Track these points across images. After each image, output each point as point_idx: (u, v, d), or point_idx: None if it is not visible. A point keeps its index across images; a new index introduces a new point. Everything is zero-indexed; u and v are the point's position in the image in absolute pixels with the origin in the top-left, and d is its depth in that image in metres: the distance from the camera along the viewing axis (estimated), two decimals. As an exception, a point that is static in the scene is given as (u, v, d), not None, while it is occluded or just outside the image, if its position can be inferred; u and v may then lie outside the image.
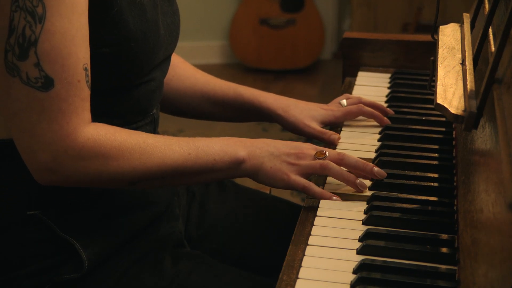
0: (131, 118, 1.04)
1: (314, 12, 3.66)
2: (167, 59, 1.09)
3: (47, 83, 0.87)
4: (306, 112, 1.19)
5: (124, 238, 1.03)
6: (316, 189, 0.96)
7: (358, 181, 0.97)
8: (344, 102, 1.23)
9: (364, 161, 1.00)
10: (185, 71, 1.25)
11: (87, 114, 0.92)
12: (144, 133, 0.97)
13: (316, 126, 1.17)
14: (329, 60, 3.87)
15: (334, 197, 0.96)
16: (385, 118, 1.19)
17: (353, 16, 3.54)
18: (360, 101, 1.22)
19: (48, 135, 0.88)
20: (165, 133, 2.70)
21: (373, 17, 3.48)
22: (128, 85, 1.01)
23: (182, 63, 1.26)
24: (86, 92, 0.91)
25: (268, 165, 0.97)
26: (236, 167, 0.97)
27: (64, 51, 0.87)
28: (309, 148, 0.99)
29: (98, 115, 0.97)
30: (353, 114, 1.20)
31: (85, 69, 0.90)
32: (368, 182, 1.00)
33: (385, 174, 0.99)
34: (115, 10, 0.94)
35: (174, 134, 3.01)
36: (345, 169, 0.99)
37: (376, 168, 0.99)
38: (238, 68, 3.76)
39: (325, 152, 0.99)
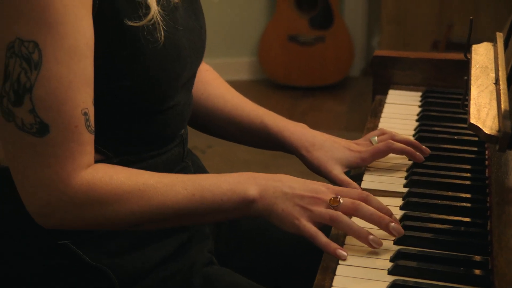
0: (160, 143, 1.03)
1: (343, 29, 3.66)
2: (192, 77, 1.07)
3: (42, 129, 0.86)
4: (330, 153, 1.12)
5: (155, 261, 1.02)
6: (323, 239, 0.90)
7: (371, 237, 0.89)
8: (375, 139, 1.15)
9: (381, 215, 0.91)
10: (216, 90, 1.22)
11: (85, 158, 0.90)
12: (146, 172, 0.94)
13: (338, 173, 1.10)
14: (357, 77, 3.86)
15: (339, 251, 0.88)
16: (418, 154, 1.11)
17: (383, 33, 3.53)
18: (392, 138, 1.14)
19: (42, 180, 0.87)
20: (195, 148, 2.70)
21: (402, 34, 3.47)
22: (153, 112, 0.99)
23: (215, 79, 1.24)
24: (85, 137, 0.89)
25: (280, 207, 0.92)
26: (246, 207, 0.93)
27: (60, 97, 0.86)
28: (326, 192, 0.93)
29: (125, 143, 0.96)
30: (381, 153, 1.12)
31: (85, 113, 0.88)
32: (399, 201, 0.99)
33: (403, 232, 0.90)
34: (131, 45, 0.92)
35: (203, 150, 3.02)
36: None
37: (393, 224, 0.90)
38: (267, 84, 3.77)
39: (339, 200, 0.92)
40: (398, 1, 3.43)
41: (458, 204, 0.98)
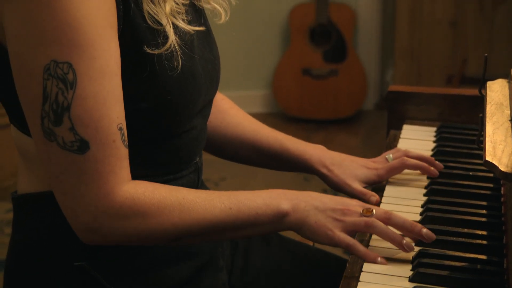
0: (175, 168, 1.05)
1: (357, 63, 3.68)
2: (208, 104, 1.10)
3: (83, 146, 0.89)
4: (349, 171, 1.18)
5: (169, 285, 1.04)
6: (361, 248, 0.95)
7: (404, 241, 0.95)
8: (390, 156, 1.22)
9: (413, 222, 0.98)
10: (234, 118, 1.26)
11: (125, 173, 0.93)
12: (184, 188, 0.98)
13: (357, 186, 1.17)
14: (371, 110, 3.86)
15: (379, 259, 0.94)
16: (432, 168, 1.18)
17: (396, 67, 3.54)
18: (406, 155, 1.21)
19: (87, 197, 0.90)
20: (207, 181, 2.70)
21: (416, 68, 3.48)
22: (169, 135, 1.02)
23: (232, 108, 1.27)
24: (122, 151, 0.92)
25: (313, 220, 0.96)
26: (280, 220, 0.97)
27: (96, 114, 0.89)
28: (356, 205, 0.98)
29: (141, 167, 0.98)
30: (397, 170, 1.19)
31: (120, 128, 0.92)
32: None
33: (434, 237, 0.96)
34: (148, 63, 0.95)
35: (216, 182, 3.02)
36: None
37: (425, 230, 0.96)
38: (281, 117, 3.78)
39: (372, 210, 0.97)
40: (411, 35, 3.45)
41: (474, 242, 0.97)
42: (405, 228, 0.97)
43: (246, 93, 3.83)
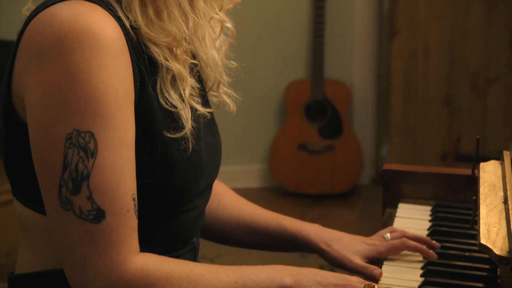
0: (172, 246, 1.05)
1: (353, 139, 3.71)
2: (209, 187, 1.12)
3: (99, 215, 0.90)
4: (349, 246, 1.19)
5: None
6: None
7: None
8: (388, 235, 1.23)
9: None
10: (230, 200, 1.27)
11: (135, 244, 0.94)
12: (191, 262, 0.99)
13: (358, 261, 1.17)
14: (367, 185, 3.87)
15: None
16: (431, 251, 1.19)
17: (392, 143, 3.58)
18: (404, 235, 1.22)
19: (99, 266, 0.91)
20: (204, 257, 2.68)
21: (411, 145, 3.51)
22: (169, 214, 1.03)
23: (227, 191, 1.29)
24: (134, 222, 0.94)
25: None
26: None
27: (114, 184, 0.91)
28: (357, 281, 0.99)
29: (140, 243, 0.98)
30: (396, 249, 1.20)
31: (133, 199, 0.93)
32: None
33: None
34: (159, 144, 0.97)
35: (212, 259, 3.00)
36: None
37: None
38: (277, 192, 3.79)
39: (374, 286, 0.98)
40: (406, 112, 3.50)
41: (471, 324, 0.97)
42: None
43: (242, 168, 3.85)
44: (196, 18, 0.98)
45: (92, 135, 0.90)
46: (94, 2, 0.93)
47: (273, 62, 3.75)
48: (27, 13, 0.99)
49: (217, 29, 1.07)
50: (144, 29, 0.96)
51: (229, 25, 1.11)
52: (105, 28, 0.91)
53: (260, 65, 3.71)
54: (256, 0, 3.57)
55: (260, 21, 3.60)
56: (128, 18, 0.95)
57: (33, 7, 0.99)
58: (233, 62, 1.13)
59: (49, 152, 0.91)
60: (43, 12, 0.93)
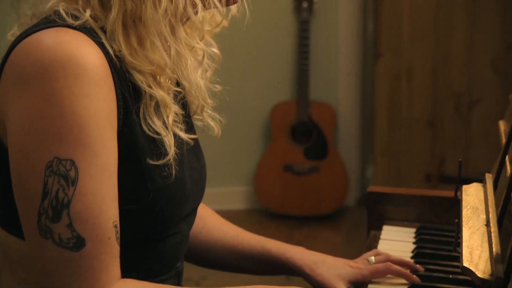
0: (156, 271, 1.05)
1: (338, 160, 3.72)
2: (193, 211, 1.12)
3: (79, 243, 0.90)
4: (332, 270, 1.19)
5: None
6: None
7: None
8: (372, 259, 1.24)
9: None
10: (214, 223, 1.27)
11: (116, 271, 0.93)
12: (171, 286, 0.99)
13: (341, 286, 1.17)
14: (353, 207, 3.88)
15: None
16: (414, 276, 1.19)
17: (376, 164, 3.59)
18: (388, 259, 1.23)
19: None
20: (189, 280, 2.66)
21: (396, 166, 3.53)
22: (152, 239, 1.03)
23: (212, 215, 1.29)
24: (116, 249, 0.93)
25: None
26: None
27: (95, 211, 0.90)
28: None
29: (123, 268, 0.98)
30: (380, 273, 1.20)
31: (115, 226, 0.93)
32: None
33: None
34: (142, 170, 0.97)
35: (197, 282, 2.99)
36: None
37: None
38: (263, 214, 3.78)
39: None
40: (390, 133, 3.51)
41: None
42: None
43: (227, 189, 3.84)
44: (178, 47, 0.99)
45: (73, 162, 0.89)
46: (78, 29, 0.94)
47: (259, 83, 3.77)
48: (12, 38, 0.99)
49: (200, 57, 1.07)
50: (128, 58, 0.96)
51: (215, 50, 1.11)
52: (89, 55, 0.91)
53: (245, 87, 3.72)
54: (242, 22, 3.59)
55: (246, 43, 3.62)
56: (112, 47, 0.95)
57: (18, 33, 1.00)
58: (217, 86, 1.14)
59: (29, 179, 0.90)
60: (28, 38, 0.93)
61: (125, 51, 0.95)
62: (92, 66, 0.90)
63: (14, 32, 1.02)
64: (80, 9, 0.96)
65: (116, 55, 0.96)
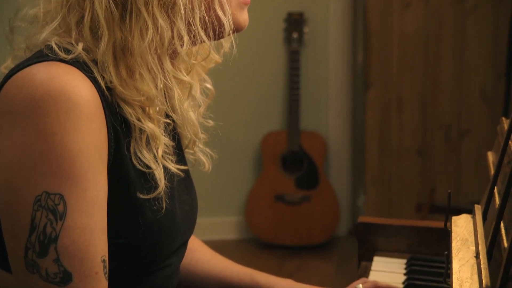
0: None
1: (329, 189, 3.73)
2: (184, 244, 1.12)
3: (66, 278, 0.89)
4: None
5: None
6: None
7: None
8: (360, 286, 1.24)
9: None
10: (204, 255, 1.27)
11: None
12: None
13: None
14: (344, 236, 3.87)
15: None
16: None
17: (368, 194, 3.59)
18: (376, 286, 1.23)
19: None
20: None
21: (387, 195, 3.53)
22: (143, 273, 1.02)
23: (201, 246, 1.29)
24: (103, 284, 0.92)
25: None
26: None
27: (83, 245, 0.90)
28: None
29: None
30: None
31: (103, 260, 0.92)
32: None
33: None
34: (132, 204, 0.97)
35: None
36: None
37: None
38: (254, 243, 3.77)
39: None
40: (381, 163, 3.52)
41: None
42: None
43: (219, 219, 3.83)
44: (165, 79, 0.99)
45: (61, 197, 0.89)
46: (70, 63, 0.94)
47: (249, 113, 3.78)
48: (6, 71, 0.99)
49: (186, 91, 1.08)
50: (119, 88, 0.96)
51: (209, 85, 1.12)
52: (80, 90, 0.91)
53: (236, 117, 3.73)
54: (232, 53, 3.61)
55: (236, 73, 3.64)
56: (103, 78, 0.96)
57: (12, 65, 1.00)
58: (210, 121, 1.14)
59: (17, 213, 0.90)
60: (20, 72, 0.93)
61: (115, 81, 0.96)
62: (84, 101, 0.91)
63: (7, 64, 1.03)
64: (73, 41, 0.96)
65: (107, 87, 0.96)
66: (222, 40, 1.09)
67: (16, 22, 1.03)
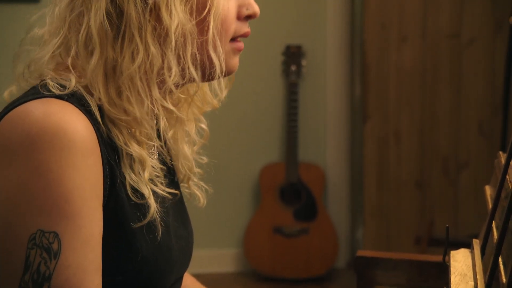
0: None
1: (327, 221, 3.72)
2: (179, 280, 1.11)
3: None
4: None
5: None
6: None
7: None
8: None
9: None
10: None
11: None
12: None
13: None
14: (343, 269, 3.86)
15: None
16: None
17: (366, 226, 3.59)
18: None
19: None
20: None
21: (386, 228, 3.53)
22: None
23: (194, 282, 1.28)
24: None
25: None
26: None
27: (76, 284, 0.89)
28: None
29: None
30: None
31: None
32: None
33: None
34: (127, 237, 0.97)
35: None
36: None
37: None
38: (252, 276, 3.75)
39: None
40: (379, 195, 3.52)
41: None
42: None
43: (216, 251, 3.82)
44: (152, 106, 1.00)
45: (56, 235, 0.89)
46: (65, 99, 0.94)
47: (248, 145, 3.79)
48: (8, 96, 1.00)
49: (173, 121, 1.08)
50: (107, 106, 0.97)
51: (204, 126, 1.12)
52: (76, 126, 0.91)
53: (234, 148, 3.74)
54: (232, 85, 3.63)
55: (235, 105, 3.65)
56: (98, 112, 0.96)
57: (15, 91, 1.01)
58: (204, 158, 1.14)
59: (11, 251, 0.90)
60: (15, 109, 0.94)
61: (103, 99, 0.96)
62: (79, 137, 0.91)
63: (11, 90, 1.03)
64: (70, 67, 0.97)
65: (99, 106, 0.96)
66: (218, 88, 1.10)
67: (25, 45, 1.04)
